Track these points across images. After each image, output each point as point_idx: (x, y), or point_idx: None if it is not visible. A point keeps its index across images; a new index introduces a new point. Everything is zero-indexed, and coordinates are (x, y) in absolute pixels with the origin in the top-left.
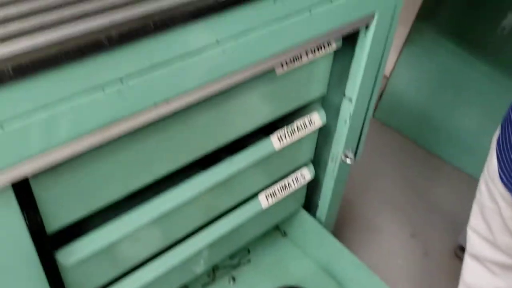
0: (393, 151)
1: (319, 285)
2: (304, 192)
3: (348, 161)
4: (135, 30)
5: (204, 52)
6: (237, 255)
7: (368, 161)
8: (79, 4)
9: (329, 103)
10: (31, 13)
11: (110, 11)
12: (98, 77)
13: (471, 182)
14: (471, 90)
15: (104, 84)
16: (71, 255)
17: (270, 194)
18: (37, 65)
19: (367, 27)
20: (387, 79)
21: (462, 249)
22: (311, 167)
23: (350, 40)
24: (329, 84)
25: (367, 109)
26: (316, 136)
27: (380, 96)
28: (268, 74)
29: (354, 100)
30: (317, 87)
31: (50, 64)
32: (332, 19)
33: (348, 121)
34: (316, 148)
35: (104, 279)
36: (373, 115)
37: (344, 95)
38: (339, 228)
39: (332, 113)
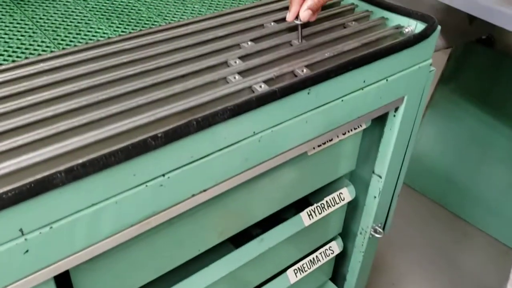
0: (418, 214)
1: None
2: (332, 264)
3: (377, 235)
4: (179, 129)
5: (241, 142)
6: None
7: (394, 224)
8: (125, 99)
9: (357, 177)
10: (80, 108)
11: (154, 106)
12: (142, 174)
13: (498, 246)
14: (496, 153)
15: (147, 180)
16: None
17: (299, 269)
18: (88, 167)
19: (396, 110)
20: (411, 150)
21: None
22: (340, 240)
23: (379, 119)
24: (358, 159)
25: (396, 185)
26: (345, 210)
27: None
28: (299, 155)
29: (383, 177)
30: (346, 164)
31: (100, 167)
32: (363, 105)
33: (377, 197)
34: (344, 221)
35: None
36: None
37: (373, 172)
38: None
39: (361, 187)
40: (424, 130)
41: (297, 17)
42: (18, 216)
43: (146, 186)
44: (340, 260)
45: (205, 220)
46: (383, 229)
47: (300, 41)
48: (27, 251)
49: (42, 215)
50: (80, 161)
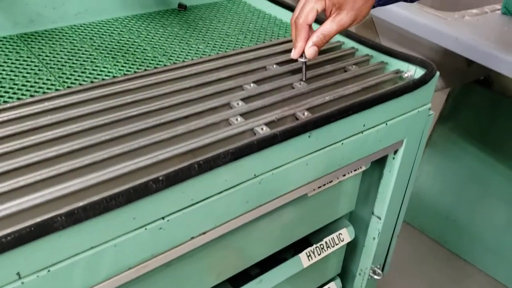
0: (417, 252)
1: None
2: None
3: (376, 276)
4: (181, 172)
5: (242, 185)
6: None
7: (393, 262)
8: (127, 140)
9: (357, 217)
10: (83, 148)
11: (157, 147)
12: (142, 218)
13: (497, 287)
14: (495, 192)
15: (147, 223)
16: None
17: None
18: (88, 210)
19: (395, 152)
20: (410, 192)
21: None
22: (339, 281)
23: (378, 161)
24: (357, 200)
25: (395, 226)
26: (344, 250)
27: None
28: (299, 197)
29: (382, 219)
30: (346, 205)
31: (100, 210)
32: (363, 148)
33: (376, 238)
34: (343, 262)
35: None
36: None
37: (372, 213)
38: None
39: (361, 227)
40: (423, 169)
41: (302, 55)
42: (16, 260)
43: (146, 229)
44: None
45: (203, 261)
46: (382, 270)
47: (304, 78)
48: None
49: (41, 258)
50: (80, 204)
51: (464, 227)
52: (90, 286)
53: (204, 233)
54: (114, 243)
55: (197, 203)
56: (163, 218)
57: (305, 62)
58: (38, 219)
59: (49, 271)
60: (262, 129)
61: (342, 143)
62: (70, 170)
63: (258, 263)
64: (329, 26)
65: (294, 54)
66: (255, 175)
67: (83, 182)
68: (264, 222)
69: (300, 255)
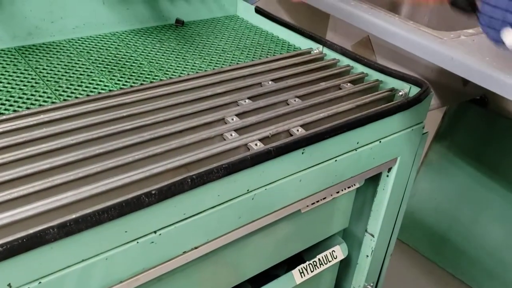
0: (411, 271)
1: None
2: None
3: None
4: (173, 187)
5: (235, 200)
6: None
7: (386, 281)
8: (122, 153)
9: (350, 235)
10: (77, 161)
11: (150, 161)
12: (134, 231)
13: None
14: (490, 212)
15: (139, 237)
16: None
17: None
18: (80, 223)
19: (389, 170)
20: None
21: None
22: None
23: (372, 178)
24: (351, 217)
25: (389, 244)
26: (337, 268)
27: None
28: (293, 212)
29: (376, 236)
30: (339, 222)
31: (93, 223)
32: (356, 166)
33: (370, 256)
34: (337, 279)
35: None
36: None
37: (366, 230)
38: None
39: (354, 245)
40: (419, 187)
41: None
42: (8, 271)
43: (137, 242)
44: None
45: (195, 276)
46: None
47: None
48: None
49: (32, 270)
50: (73, 216)
51: (459, 247)
52: None
53: (196, 247)
54: (106, 256)
55: (189, 217)
56: (155, 232)
57: None
58: (30, 231)
59: (40, 283)
60: (256, 144)
61: (336, 160)
62: (64, 183)
63: (250, 280)
64: None
65: None
66: (248, 190)
67: (76, 195)
68: (257, 237)
69: (293, 271)
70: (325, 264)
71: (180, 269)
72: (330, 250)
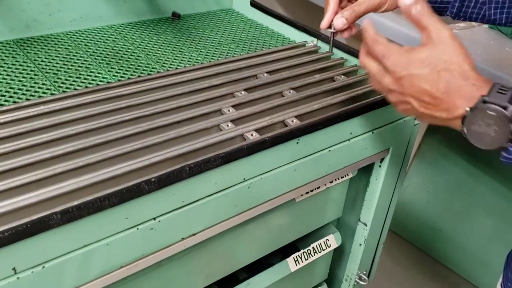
0: (404, 261)
1: None
2: None
3: (362, 282)
4: (172, 175)
5: (231, 188)
6: None
7: (379, 271)
8: (121, 143)
9: (344, 224)
10: (77, 151)
11: (149, 150)
12: (134, 218)
13: None
14: (481, 204)
15: (138, 223)
16: None
17: None
18: (82, 209)
19: (382, 161)
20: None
21: None
22: (325, 287)
23: (365, 168)
24: (344, 207)
25: (381, 232)
26: (331, 256)
27: None
28: (287, 201)
29: (369, 225)
30: (333, 211)
31: (94, 209)
32: (349, 156)
33: (363, 245)
34: (330, 268)
35: None
36: None
37: (359, 219)
38: None
39: (347, 234)
40: (411, 179)
41: (330, 26)
42: (12, 255)
43: (137, 229)
44: None
45: (192, 263)
46: (368, 276)
47: (331, 50)
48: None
49: (36, 254)
50: (75, 203)
51: (450, 237)
52: (82, 284)
53: (194, 234)
54: (107, 242)
55: (187, 205)
56: (154, 218)
57: (333, 33)
58: (34, 217)
59: (43, 267)
60: (252, 135)
61: (329, 150)
62: (64, 172)
63: (245, 268)
64: (360, 1)
65: (322, 24)
66: (244, 179)
67: (77, 183)
68: (253, 226)
69: (287, 259)
70: (319, 252)
71: (178, 256)
72: (324, 239)
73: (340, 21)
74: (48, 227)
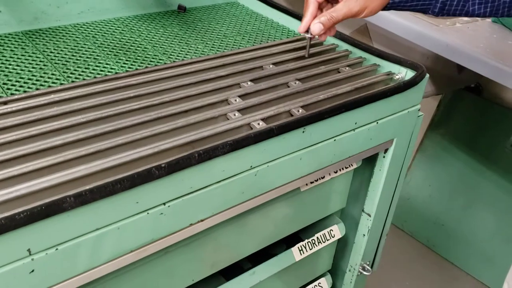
0: (407, 255)
1: None
2: None
3: (365, 273)
4: (181, 161)
5: (239, 176)
6: None
7: (382, 266)
8: (130, 131)
9: (348, 215)
10: (88, 138)
11: (157, 138)
12: (145, 202)
13: None
14: (483, 198)
15: (149, 208)
16: None
17: None
18: (95, 192)
19: (386, 151)
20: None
21: None
22: (329, 277)
23: (369, 159)
24: (348, 198)
25: (385, 223)
26: (335, 247)
27: None
28: (292, 191)
29: (372, 216)
30: (337, 201)
31: (107, 193)
32: (354, 146)
33: (366, 235)
34: (334, 258)
35: None
36: None
37: (363, 210)
38: None
39: (351, 225)
40: (414, 174)
41: (307, 30)
42: (27, 237)
43: (148, 213)
44: None
45: (199, 250)
46: (371, 267)
47: (307, 55)
48: (32, 271)
49: (50, 236)
50: (88, 187)
51: (453, 232)
52: (93, 267)
53: (201, 220)
54: (118, 226)
55: (196, 191)
56: (164, 204)
57: (310, 38)
58: (48, 200)
59: (57, 249)
60: (258, 124)
61: (335, 140)
62: (76, 158)
63: (250, 259)
64: (339, 7)
65: (300, 28)
66: (251, 166)
67: (88, 169)
68: (259, 215)
69: (292, 249)
70: (323, 242)
71: (185, 243)
72: (328, 229)
73: (317, 27)
74: (62, 209)
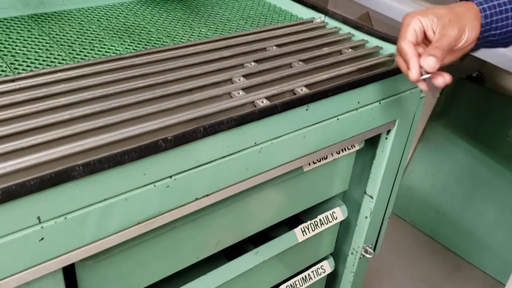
0: (407, 244)
1: None
2: (323, 284)
3: (368, 255)
4: (188, 134)
5: (243, 152)
6: None
7: (383, 254)
8: (136, 107)
9: (350, 198)
10: (95, 113)
11: (163, 114)
12: (152, 174)
13: (486, 280)
14: (485, 187)
15: (156, 180)
16: None
17: (291, 286)
18: (104, 162)
19: (388, 132)
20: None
21: None
22: (331, 260)
23: (371, 141)
24: (350, 180)
25: (387, 205)
26: (337, 229)
27: None
28: (296, 170)
29: (375, 198)
30: (339, 183)
31: (115, 163)
32: (357, 125)
33: (368, 217)
34: (336, 242)
35: None
36: None
37: (365, 192)
38: None
39: (353, 208)
40: (416, 163)
41: (421, 73)
42: (37, 204)
43: (154, 186)
44: (332, 281)
45: (204, 227)
46: (374, 250)
47: (437, 95)
48: (42, 238)
49: (59, 205)
50: (96, 157)
51: (455, 221)
52: (101, 237)
53: (207, 195)
54: (125, 197)
55: (202, 165)
56: (170, 177)
57: (429, 78)
58: (58, 168)
59: (65, 218)
60: (262, 102)
61: (338, 119)
62: (83, 131)
63: (252, 241)
64: (437, 37)
65: (412, 74)
66: (255, 143)
67: (96, 141)
68: (262, 193)
69: (295, 229)
70: (326, 224)
71: (191, 218)
72: (331, 211)
73: (430, 60)
74: (70, 177)
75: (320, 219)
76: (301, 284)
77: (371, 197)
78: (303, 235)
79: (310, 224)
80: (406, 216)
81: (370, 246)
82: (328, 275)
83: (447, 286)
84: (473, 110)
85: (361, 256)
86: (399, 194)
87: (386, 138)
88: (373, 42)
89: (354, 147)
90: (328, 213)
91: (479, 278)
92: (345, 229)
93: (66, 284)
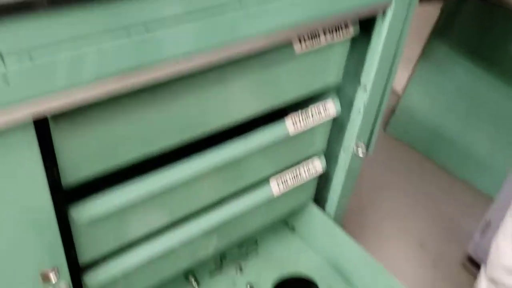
0: (404, 165)
1: (327, 279)
2: (314, 185)
3: (360, 153)
4: None
5: (227, 12)
6: (245, 245)
7: (380, 175)
8: None
9: (344, 95)
10: None
11: None
12: (123, 17)
13: (482, 197)
14: (484, 106)
15: (129, 27)
16: (84, 212)
17: (282, 182)
18: None
19: (384, 13)
20: (400, 94)
21: (470, 260)
22: (323, 159)
23: (367, 28)
24: (344, 75)
25: (382, 99)
26: (329, 127)
27: (393, 111)
28: (287, 52)
29: (369, 89)
30: (333, 73)
31: None
32: None
33: (362, 111)
34: (328, 142)
35: (112, 246)
36: (385, 130)
37: (359, 83)
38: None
39: (347, 105)
40: (414, 83)
41: None
42: None
43: (129, 36)
44: (323, 183)
45: (188, 105)
46: (367, 149)
47: None
48: (5, 77)
49: (22, 38)
50: None
51: (452, 142)
52: (73, 85)
53: (188, 56)
54: (97, 45)
55: (181, 17)
56: (145, 26)
57: None
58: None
59: (31, 59)
60: None
61: None
62: None
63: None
64: None
65: None
66: (240, 1)
67: None
68: (250, 74)
69: (285, 119)
70: (318, 115)
71: (173, 93)
72: (323, 102)
73: None
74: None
75: (311, 110)
76: (292, 181)
77: (365, 88)
78: (293, 126)
79: (301, 113)
80: (403, 137)
81: (363, 143)
82: (320, 177)
83: (441, 200)
84: (475, 27)
85: (353, 154)
86: (396, 115)
87: (382, 21)
88: None
89: (348, 28)
90: (320, 104)
91: (476, 194)
92: (338, 129)
93: (42, 152)
